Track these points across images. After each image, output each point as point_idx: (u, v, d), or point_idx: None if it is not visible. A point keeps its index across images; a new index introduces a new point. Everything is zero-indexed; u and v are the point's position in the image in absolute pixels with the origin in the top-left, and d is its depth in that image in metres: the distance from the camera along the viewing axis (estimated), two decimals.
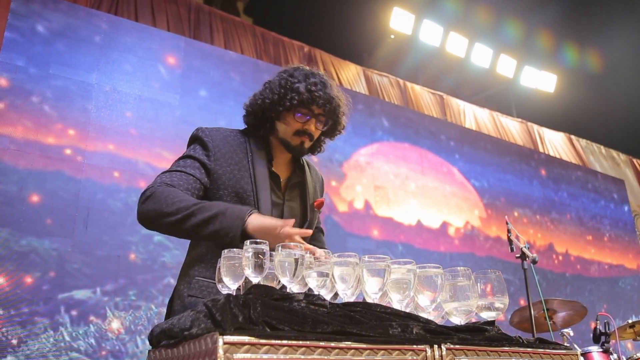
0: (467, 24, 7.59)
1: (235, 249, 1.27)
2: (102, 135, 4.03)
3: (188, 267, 1.65)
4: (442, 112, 7.08)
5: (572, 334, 3.16)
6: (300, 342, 0.98)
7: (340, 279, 1.25)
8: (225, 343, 0.91)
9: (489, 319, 1.33)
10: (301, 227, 1.74)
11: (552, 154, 7.87)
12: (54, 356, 3.37)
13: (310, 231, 1.55)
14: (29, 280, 3.44)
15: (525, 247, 2.69)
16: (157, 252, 3.95)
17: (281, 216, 1.72)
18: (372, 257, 1.26)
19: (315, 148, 1.86)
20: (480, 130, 7.13)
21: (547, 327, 3.28)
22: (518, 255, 2.70)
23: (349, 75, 6.33)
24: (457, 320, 1.31)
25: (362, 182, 5.40)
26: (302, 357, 0.97)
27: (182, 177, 1.61)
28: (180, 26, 5.20)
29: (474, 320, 1.36)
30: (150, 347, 1.26)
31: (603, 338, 2.93)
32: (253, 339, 0.94)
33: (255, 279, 1.21)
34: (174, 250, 3.98)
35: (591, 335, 3.02)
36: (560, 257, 6.76)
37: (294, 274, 1.22)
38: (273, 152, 1.77)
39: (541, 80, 8.34)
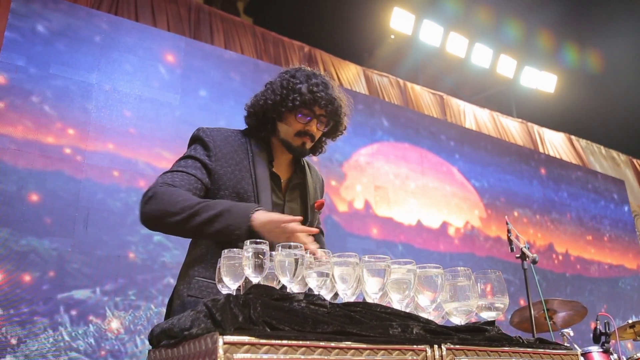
0: (467, 24, 7.59)
1: (235, 249, 1.27)
2: (102, 135, 4.03)
3: (188, 267, 1.65)
4: (442, 112, 7.08)
5: (572, 334, 3.16)
6: (301, 342, 0.98)
7: (340, 279, 1.25)
8: (225, 343, 0.91)
9: (489, 319, 1.33)
10: None
11: (552, 154, 7.87)
12: (53, 356, 3.37)
13: (316, 230, 1.55)
14: (28, 280, 3.44)
15: (525, 247, 2.69)
16: (157, 252, 3.95)
17: None
18: (372, 257, 1.25)
19: (316, 149, 1.86)
20: (480, 131, 7.13)
21: (547, 327, 3.28)
22: (518, 255, 2.70)
23: (349, 75, 6.33)
24: (457, 320, 1.31)
25: (362, 182, 5.40)
26: (302, 357, 0.97)
27: (183, 177, 1.61)
28: (180, 26, 5.20)
29: (474, 320, 1.36)
30: (150, 347, 1.26)
31: (603, 338, 2.93)
32: (253, 339, 0.94)
33: (255, 279, 1.21)
34: (174, 250, 3.98)
35: (591, 335, 3.01)
36: (560, 257, 6.77)
37: (294, 274, 1.22)
38: (274, 152, 1.78)
39: (541, 81, 8.34)
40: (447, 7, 7.41)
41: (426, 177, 5.93)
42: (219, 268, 1.29)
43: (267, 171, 1.71)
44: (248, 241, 1.23)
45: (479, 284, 1.34)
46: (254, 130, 1.78)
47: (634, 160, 9.20)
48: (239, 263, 1.24)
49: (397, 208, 5.54)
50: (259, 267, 1.21)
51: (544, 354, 1.32)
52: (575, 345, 2.95)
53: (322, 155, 1.93)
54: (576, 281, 6.76)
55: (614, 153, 8.97)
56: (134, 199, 3.96)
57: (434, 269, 1.30)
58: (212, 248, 1.61)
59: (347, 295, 1.26)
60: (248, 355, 0.92)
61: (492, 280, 1.35)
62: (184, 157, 1.68)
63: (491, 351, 1.22)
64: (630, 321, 3.35)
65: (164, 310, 1.74)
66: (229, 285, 1.27)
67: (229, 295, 1.03)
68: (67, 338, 3.44)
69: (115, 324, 3.64)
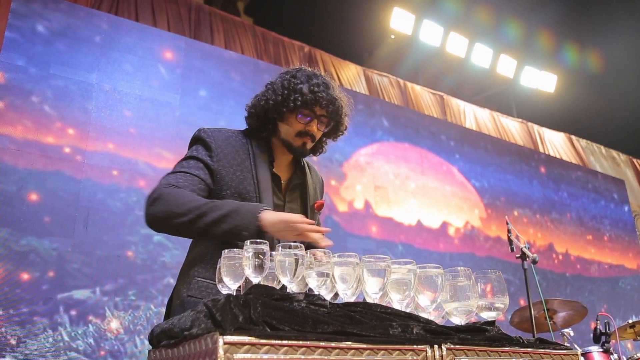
0: (467, 24, 7.58)
1: (235, 249, 1.27)
2: (102, 135, 4.03)
3: (188, 268, 1.65)
4: (442, 112, 7.08)
5: (572, 334, 3.16)
6: (301, 342, 0.98)
7: (340, 279, 1.25)
8: (225, 343, 0.91)
9: (489, 319, 1.33)
10: None
11: (552, 154, 7.87)
12: (52, 356, 3.37)
13: (328, 229, 1.55)
14: (28, 279, 3.44)
15: (525, 247, 2.69)
16: (156, 252, 3.95)
17: None
18: (372, 257, 1.25)
19: (317, 149, 1.86)
20: (480, 131, 7.13)
21: (548, 327, 3.28)
22: (518, 255, 2.69)
23: (349, 75, 6.33)
24: (458, 320, 1.31)
25: (362, 182, 5.40)
26: (303, 357, 0.97)
27: (187, 178, 1.60)
28: (180, 26, 5.20)
29: (474, 320, 1.36)
30: (150, 347, 1.26)
31: (603, 338, 2.93)
32: (253, 339, 0.94)
33: (255, 279, 1.21)
34: (174, 250, 3.98)
35: (591, 335, 3.01)
36: (560, 257, 6.76)
37: (294, 274, 1.22)
38: (274, 153, 1.78)
39: (541, 81, 8.34)
40: (447, 7, 7.40)
41: (426, 177, 5.93)
42: (219, 268, 1.29)
43: (268, 172, 1.71)
44: (248, 241, 1.23)
45: (479, 284, 1.34)
46: (254, 131, 1.78)
47: (634, 160, 9.20)
48: (239, 263, 1.24)
49: (397, 208, 5.54)
50: (259, 267, 1.21)
51: (544, 354, 1.32)
52: (576, 345, 2.95)
53: (322, 155, 1.94)
54: (576, 281, 6.76)
55: (614, 153, 8.97)
56: (134, 199, 3.96)
57: (434, 269, 1.30)
58: (212, 248, 1.61)
59: (347, 295, 1.26)
60: (248, 356, 0.92)
61: (492, 280, 1.35)
62: (186, 158, 1.68)
63: (491, 351, 1.22)
64: (630, 321, 3.35)
65: (164, 310, 1.74)
66: (229, 285, 1.27)
67: (229, 295, 1.03)
68: (66, 338, 3.44)
69: (114, 324, 3.64)
